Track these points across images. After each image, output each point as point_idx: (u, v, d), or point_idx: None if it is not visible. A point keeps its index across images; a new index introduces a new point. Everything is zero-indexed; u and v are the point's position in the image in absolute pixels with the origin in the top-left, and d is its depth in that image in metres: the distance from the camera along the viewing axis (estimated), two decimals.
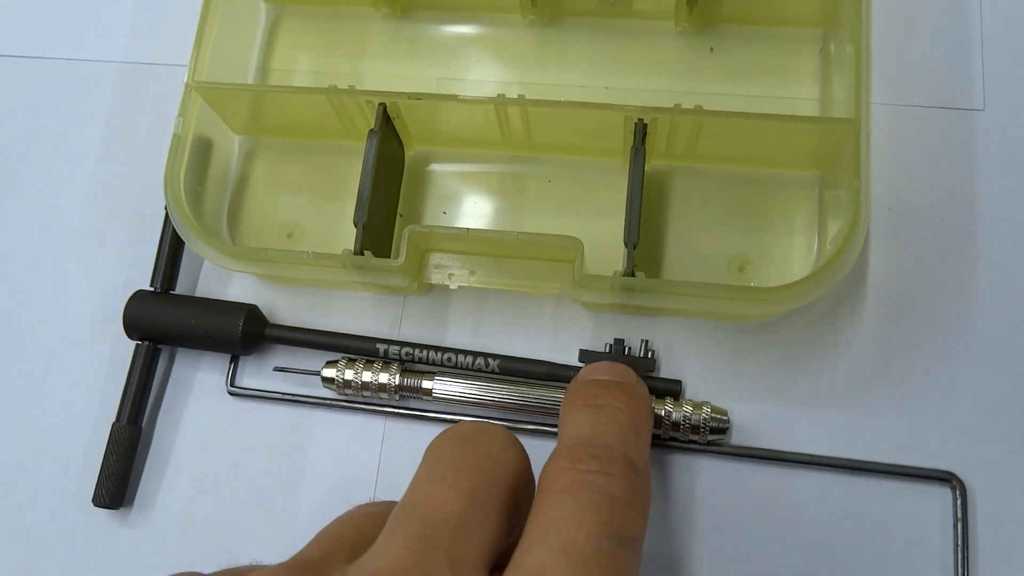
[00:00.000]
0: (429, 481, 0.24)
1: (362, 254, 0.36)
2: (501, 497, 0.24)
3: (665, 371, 0.39)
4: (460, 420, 0.39)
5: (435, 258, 0.39)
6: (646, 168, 0.37)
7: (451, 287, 0.38)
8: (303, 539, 0.38)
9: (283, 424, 0.40)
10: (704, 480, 0.37)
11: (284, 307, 0.41)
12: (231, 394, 0.41)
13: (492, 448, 0.25)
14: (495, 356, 0.38)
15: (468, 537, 0.23)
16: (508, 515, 0.25)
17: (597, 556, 0.22)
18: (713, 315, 0.39)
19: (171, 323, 0.39)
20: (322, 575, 0.23)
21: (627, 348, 0.38)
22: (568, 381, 0.38)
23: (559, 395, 0.37)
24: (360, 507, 0.28)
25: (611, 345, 0.38)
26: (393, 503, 0.27)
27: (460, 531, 0.23)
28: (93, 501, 0.38)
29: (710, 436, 0.36)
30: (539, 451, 0.37)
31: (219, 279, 0.42)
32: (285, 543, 0.38)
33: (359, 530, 0.26)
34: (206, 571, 0.25)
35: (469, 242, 0.37)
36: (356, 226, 0.37)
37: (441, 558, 0.22)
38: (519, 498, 0.26)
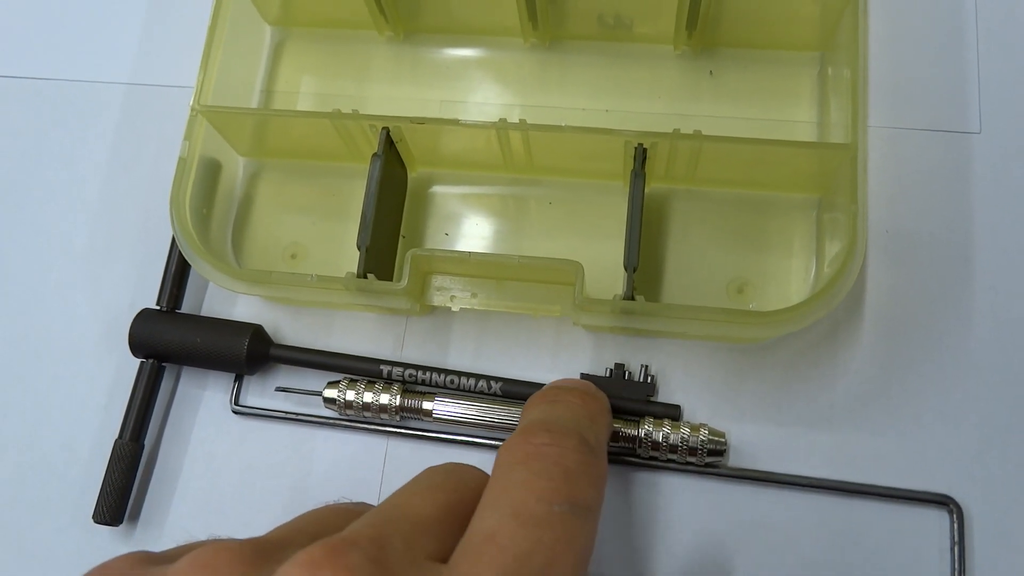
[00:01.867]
0: (405, 493, 0.25)
1: (365, 277, 0.36)
2: (471, 516, 0.24)
3: (664, 393, 0.38)
4: (460, 440, 0.39)
5: (437, 280, 0.39)
6: (646, 191, 0.37)
7: (453, 309, 0.38)
8: None
9: (286, 443, 0.40)
10: (701, 502, 0.37)
11: (288, 327, 0.41)
12: (235, 413, 0.40)
13: (468, 477, 0.26)
14: (497, 379, 0.38)
15: (430, 533, 0.23)
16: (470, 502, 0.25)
17: (548, 518, 0.22)
18: (712, 337, 0.39)
19: (176, 342, 0.39)
20: (280, 552, 0.23)
21: (627, 373, 0.38)
22: None
23: None
24: (330, 504, 0.28)
25: (611, 370, 0.38)
26: (365, 504, 0.27)
27: (424, 527, 0.23)
28: (94, 518, 0.38)
29: (707, 458, 0.36)
30: None
31: (225, 299, 0.42)
32: None
33: (323, 522, 0.26)
34: None
35: (471, 265, 0.37)
36: (359, 249, 0.37)
37: (399, 538, 0.22)
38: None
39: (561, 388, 0.31)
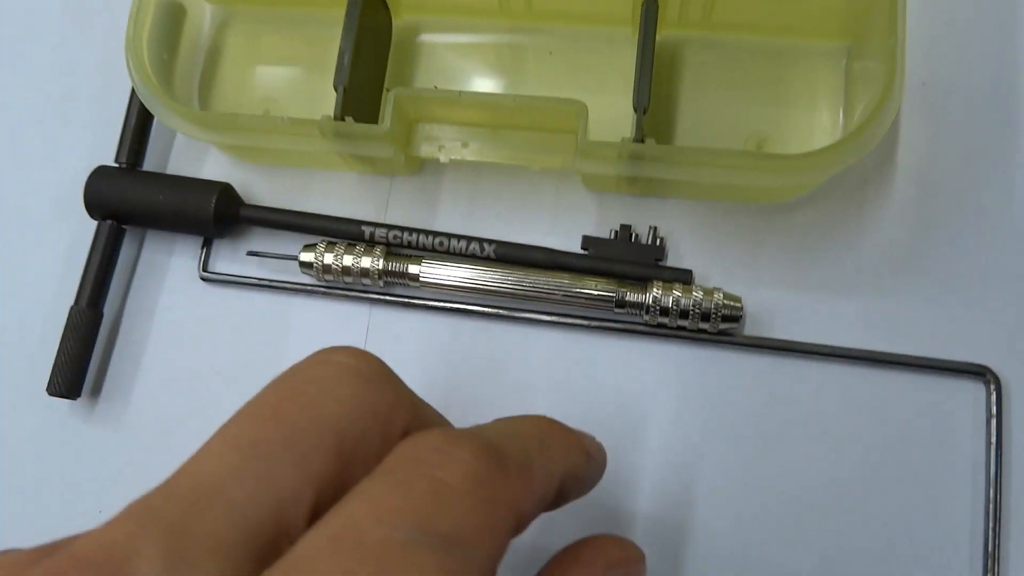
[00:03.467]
0: (213, 438, 0.18)
1: (343, 120, 0.33)
2: (304, 450, 0.17)
3: (674, 257, 0.35)
4: (449, 307, 0.35)
5: (424, 129, 0.35)
6: (657, 38, 0.33)
7: (442, 160, 0.34)
8: None
9: (260, 312, 0.37)
10: (715, 373, 0.34)
11: (261, 188, 0.38)
12: (204, 280, 0.37)
13: (314, 387, 0.18)
14: (490, 241, 0.35)
15: (219, 507, 0.16)
16: (321, 472, 0.17)
17: (378, 547, 0.15)
18: (727, 193, 0.35)
19: (137, 200, 0.36)
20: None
21: (634, 235, 0.35)
22: (570, 269, 0.34)
23: (558, 281, 0.34)
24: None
25: (616, 232, 0.35)
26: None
27: (209, 499, 0.16)
28: (48, 390, 0.35)
29: (721, 324, 0.33)
30: (533, 341, 0.35)
31: (191, 157, 0.38)
32: None
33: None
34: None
35: (461, 108, 0.33)
36: (336, 90, 0.33)
37: (160, 533, 0.15)
38: (356, 449, 0.18)
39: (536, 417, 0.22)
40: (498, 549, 0.17)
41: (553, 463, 0.20)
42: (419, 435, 0.18)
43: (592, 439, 0.24)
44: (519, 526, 0.18)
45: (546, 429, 0.21)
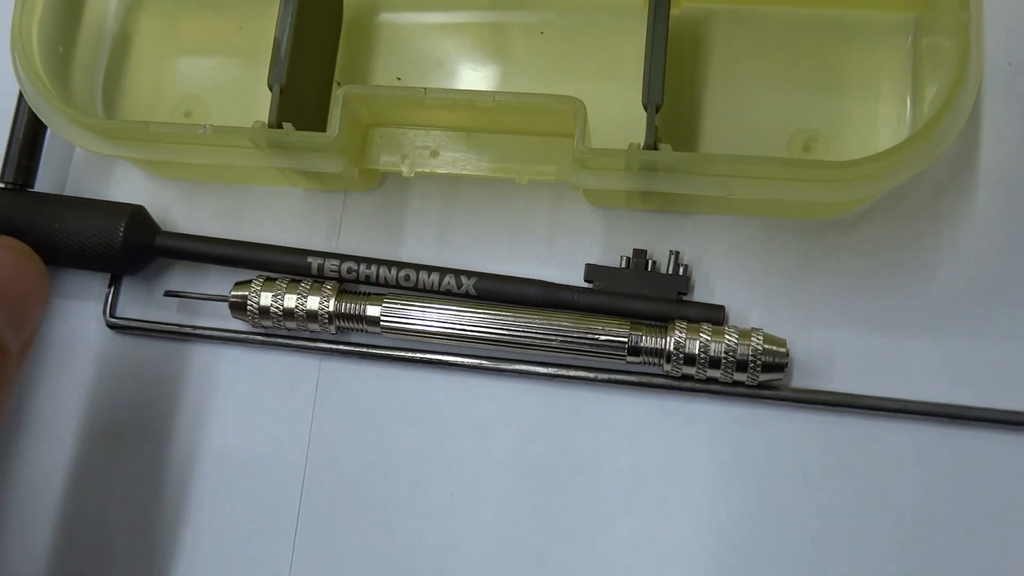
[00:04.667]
0: None
1: (280, 127, 0.33)
2: None
3: (702, 289, 0.36)
4: (419, 358, 0.36)
5: (383, 135, 0.36)
6: (674, 13, 0.34)
7: (406, 174, 0.35)
8: (214, 522, 0.36)
9: (182, 367, 0.37)
10: (756, 437, 0.34)
11: (181, 211, 0.39)
12: (111, 327, 0.38)
13: None
14: (470, 274, 0.35)
15: None
16: None
17: None
18: (768, 209, 0.35)
19: (27, 229, 0.36)
20: None
21: (650, 262, 0.35)
22: (570, 306, 0.35)
23: (556, 323, 0.34)
24: None
25: (629, 259, 0.35)
26: None
27: None
28: None
29: (762, 375, 0.33)
30: (525, 399, 0.35)
31: (94, 175, 0.39)
32: (193, 528, 0.36)
33: None
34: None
35: (430, 108, 0.34)
36: (271, 89, 0.34)
37: None
38: None
39: None
40: None
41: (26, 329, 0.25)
42: None
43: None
44: None
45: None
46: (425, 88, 0.33)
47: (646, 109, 0.32)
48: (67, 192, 0.39)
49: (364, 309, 0.35)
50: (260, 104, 0.38)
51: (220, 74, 0.39)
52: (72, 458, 0.37)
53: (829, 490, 0.33)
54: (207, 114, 0.39)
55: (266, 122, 0.33)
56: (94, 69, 0.39)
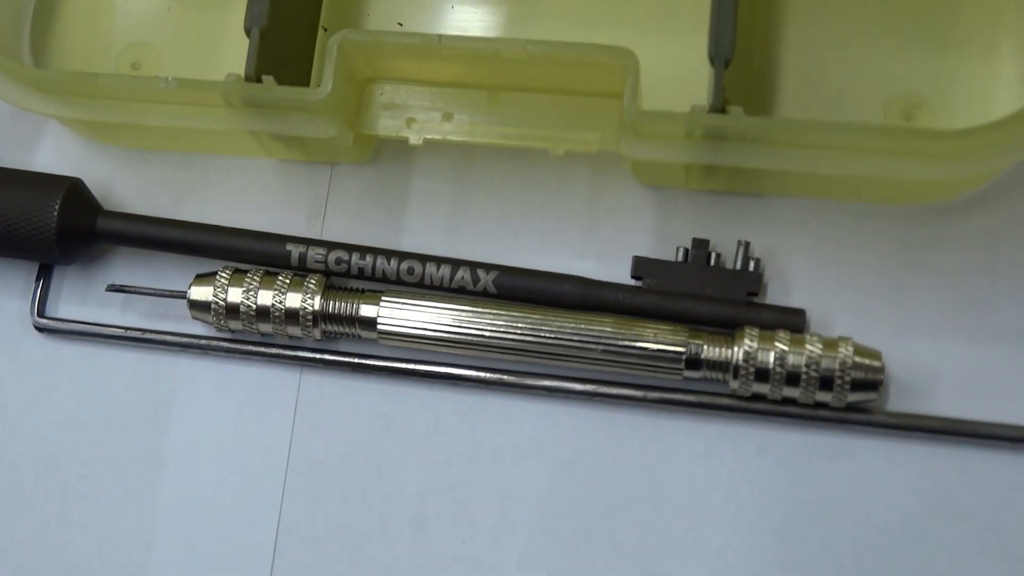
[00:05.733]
0: None
1: (259, 81, 0.33)
2: None
3: (776, 294, 0.36)
4: (423, 371, 0.36)
5: (385, 92, 0.36)
6: None
7: (412, 141, 0.35)
8: (168, 572, 0.36)
9: (129, 381, 0.38)
10: (843, 472, 0.34)
11: (129, 186, 0.39)
12: (40, 329, 0.38)
13: None
14: (489, 267, 0.35)
15: None
16: None
17: None
18: (858, 190, 0.36)
19: None
20: None
21: (714, 255, 0.36)
22: (614, 308, 0.35)
23: (596, 328, 0.35)
24: None
25: (687, 250, 0.36)
26: None
27: None
28: None
29: (851, 395, 0.34)
30: (557, 423, 0.35)
31: (20, 139, 0.40)
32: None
33: None
34: None
35: (442, 60, 0.34)
36: (249, 33, 0.34)
37: None
38: None
39: None
40: None
41: None
42: None
43: None
44: None
45: None
46: (440, 35, 0.33)
47: (713, 64, 0.33)
48: None
49: (357, 309, 0.35)
50: (224, 55, 0.39)
51: (174, 17, 0.40)
52: None
53: (933, 536, 0.34)
54: (159, 66, 0.39)
55: (242, 75, 0.33)
56: (19, 13, 0.39)
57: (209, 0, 0.40)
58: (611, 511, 0.35)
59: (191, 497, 0.37)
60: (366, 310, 0.36)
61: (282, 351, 0.37)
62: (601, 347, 0.34)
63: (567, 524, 0.35)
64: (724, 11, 0.33)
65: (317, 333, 0.36)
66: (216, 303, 0.36)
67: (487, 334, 0.35)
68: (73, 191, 0.37)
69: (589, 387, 0.35)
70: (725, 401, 0.35)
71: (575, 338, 0.35)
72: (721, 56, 0.33)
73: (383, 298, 0.36)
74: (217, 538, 0.36)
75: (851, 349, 0.34)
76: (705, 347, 0.34)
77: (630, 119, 0.32)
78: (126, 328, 0.38)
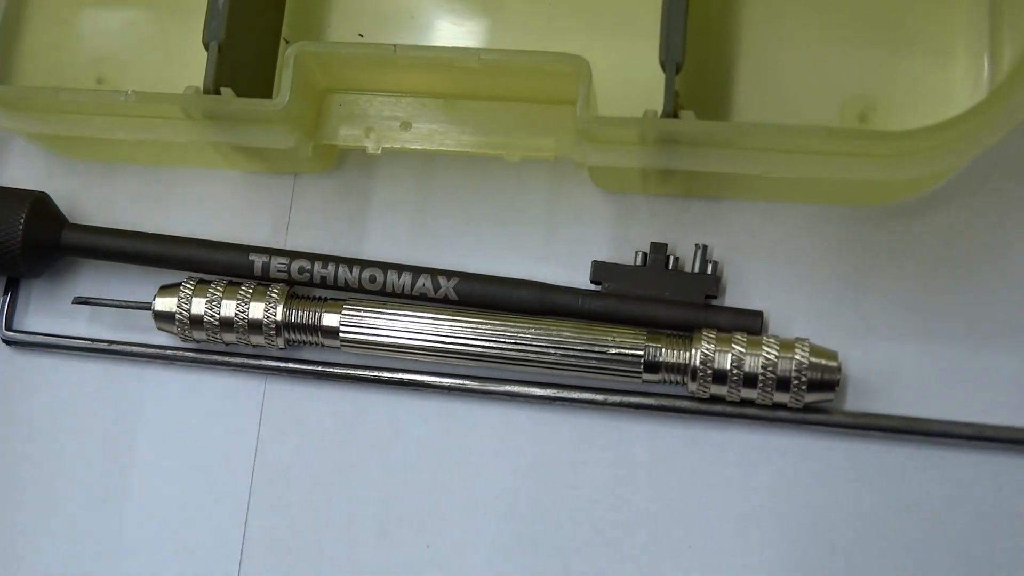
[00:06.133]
0: None
1: (218, 93, 0.34)
2: None
3: (734, 297, 0.36)
4: (386, 378, 0.36)
5: (343, 102, 0.36)
6: None
7: (371, 150, 0.35)
8: None
9: (95, 391, 0.38)
10: (801, 471, 0.35)
11: (95, 200, 0.39)
12: (7, 343, 0.38)
13: None
14: (450, 274, 0.36)
15: None
16: None
17: None
18: (815, 192, 0.36)
19: None
20: None
21: (671, 258, 0.36)
22: (573, 313, 0.35)
23: (555, 334, 0.35)
24: None
25: (645, 255, 0.36)
26: None
27: None
28: None
29: (808, 396, 0.34)
30: (517, 428, 0.36)
31: None
32: None
33: None
34: None
35: (399, 70, 0.35)
36: (207, 47, 0.34)
37: None
38: None
39: None
40: None
41: None
42: None
43: None
44: None
45: None
46: (395, 45, 0.34)
47: (664, 69, 0.33)
48: None
49: (319, 318, 0.36)
50: (189, 68, 0.38)
51: (138, 32, 0.40)
52: None
53: (890, 533, 0.34)
54: (123, 80, 0.40)
55: (200, 87, 0.34)
56: None
57: (173, 14, 0.40)
58: (573, 514, 0.35)
59: (158, 506, 0.37)
60: (328, 319, 0.36)
61: (246, 360, 0.37)
62: (561, 352, 0.35)
63: (530, 527, 0.35)
64: (675, 16, 0.33)
65: (280, 342, 0.36)
66: (180, 314, 0.36)
67: (448, 340, 0.35)
68: (38, 205, 0.37)
69: (550, 391, 0.36)
70: (684, 404, 0.35)
71: (535, 343, 0.35)
72: (672, 60, 0.33)
73: (344, 306, 0.36)
74: (183, 547, 0.36)
75: (807, 350, 0.34)
76: (663, 350, 0.34)
77: (583, 125, 0.32)
78: (92, 340, 0.38)
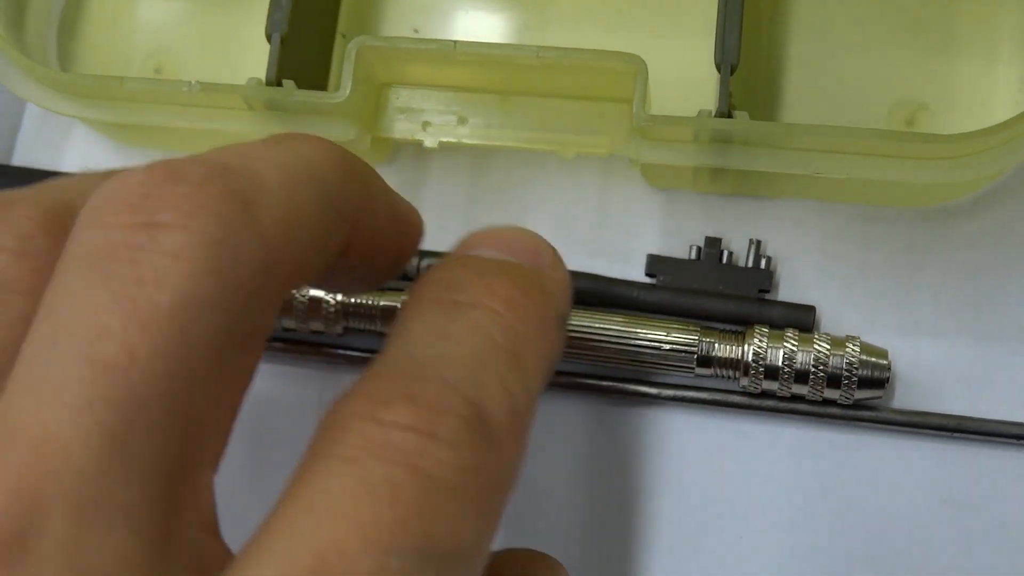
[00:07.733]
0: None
1: (279, 85, 0.34)
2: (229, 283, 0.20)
3: (787, 292, 0.37)
4: None
5: (400, 97, 0.37)
6: None
7: (427, 144, 0.36)
8: None
9: None
10: (851, 467, 0.35)
11: None
12: None
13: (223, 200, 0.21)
14: None
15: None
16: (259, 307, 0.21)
17: None
18: (865, 193, 0.37)
19: None
20: None
21: (725, 252, 0.36)
22: (627, 305, 0.36)
23: (607, 326, 0.35)
24: None
25: (700, 249, 0.37)
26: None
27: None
28: None
29: (859, 393, 0.34)
30: (567, 420, 0.36)
31: (47, 142, 0.41)
32: None
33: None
34: None
35: (457, 65, 0.35)
36: (270, 39, 0.35)
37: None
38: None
39: (476, 270, 0.25)
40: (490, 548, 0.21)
41: (528, 384, 0.23)
42: (382, 403, 0.20)
43: (555, 257, 0.27)
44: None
45: (515, 314, 0.23)
46: (455, 41, 0.34)
47: (719, 69, 0.34)
48: (15, 162, 0.40)
49: (379, 300, 0.36)
50: (246, 59, 0.39)
51: (196, 23, 0.41)
52: None
53: (941, 530, 0.34)
54: (182, 70, 0.40)
55: (262, 79, 0.34)
56: (47, 17, 0.40)
57: (229, 7, 0.41)
58: (622, 504, 0.36)
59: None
60: (387, 303, 0.36)
61: (304, 352, 0.37)
62: (612, 344, 0.35)
63: (581, 517, 0.36)
64: (730, 18, 0.34)
65: (339, 329, 0.37)
66: None
67: None
68: None
69: (602, 383, 0.36)
70: (735, 398, 0.36)
71: (588, 336, 0.35)
72: (727, 62, 0.33)
73: (403, 298, 0.36)
74: None
75: (858, 348, 0.34)
76: (716, 345, 0.35)
77: (639, 123, 0.33)
78: None
